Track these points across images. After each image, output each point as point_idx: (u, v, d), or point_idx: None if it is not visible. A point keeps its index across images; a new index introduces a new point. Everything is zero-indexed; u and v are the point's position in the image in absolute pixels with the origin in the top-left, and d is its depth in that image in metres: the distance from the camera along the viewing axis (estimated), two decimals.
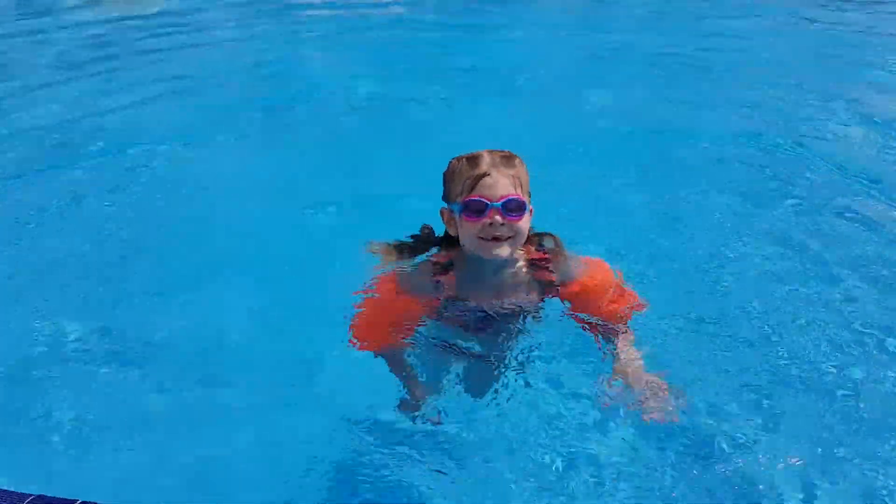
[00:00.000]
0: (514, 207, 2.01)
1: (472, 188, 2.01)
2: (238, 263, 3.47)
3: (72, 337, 2.92)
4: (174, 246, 3.68)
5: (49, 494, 1.91)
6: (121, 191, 4.33)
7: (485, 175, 2.01)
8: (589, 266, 2.30)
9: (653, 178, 4.42)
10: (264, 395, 2.60)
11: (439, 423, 2.32)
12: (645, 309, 2.29)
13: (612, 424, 2.29)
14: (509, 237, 2.04)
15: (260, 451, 2.41)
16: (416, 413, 2.33)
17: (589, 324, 2.29)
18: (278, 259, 3.44)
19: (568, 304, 2.30)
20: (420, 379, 2.38)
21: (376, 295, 2.26)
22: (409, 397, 2.34)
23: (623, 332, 2.24)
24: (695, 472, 2.19)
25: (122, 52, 8.20)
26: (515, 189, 2.02)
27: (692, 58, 7.42)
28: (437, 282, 2.21)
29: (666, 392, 2.06)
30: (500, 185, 2.00)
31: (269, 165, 4.78)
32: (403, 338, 2.31)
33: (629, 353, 2.17)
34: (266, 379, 2.70)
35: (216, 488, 2.23)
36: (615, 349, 2.19)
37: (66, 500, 1.92)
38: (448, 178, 2.14)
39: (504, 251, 2.06)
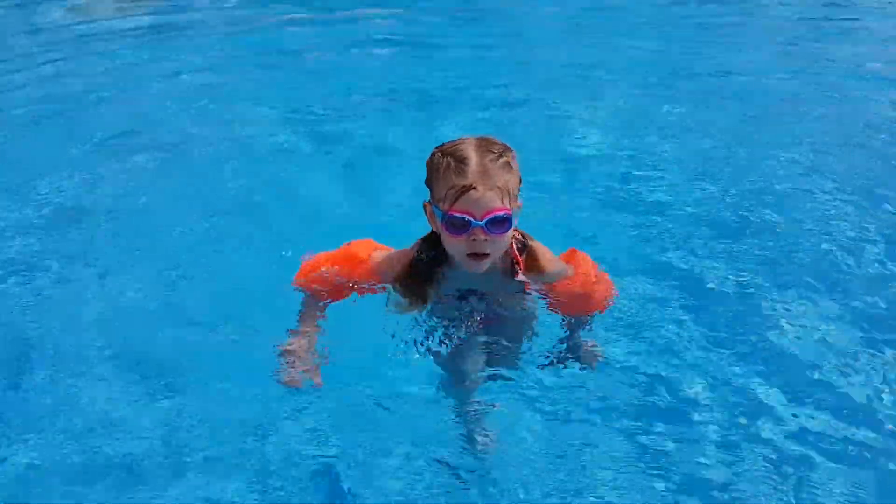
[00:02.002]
0: (498, 223, 1.90)
1: (456, 200, 1.88)
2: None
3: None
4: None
5: None
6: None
7: (470, 189, 1.86)
8: (570, 272, 2.26)
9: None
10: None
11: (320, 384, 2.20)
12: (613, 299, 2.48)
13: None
14: (492, 252, 1.98)
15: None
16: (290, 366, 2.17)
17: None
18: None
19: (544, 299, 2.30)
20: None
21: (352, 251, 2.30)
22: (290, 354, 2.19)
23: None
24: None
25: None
26: (503, 201, 1.89)
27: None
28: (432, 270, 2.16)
29: (595, 347, 2.41)
30: (486, 199, 1.87)
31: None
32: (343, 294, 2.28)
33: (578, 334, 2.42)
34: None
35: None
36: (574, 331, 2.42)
37: None
38: (431, 172, 1.99)
39: (485, 266, 2.01)
